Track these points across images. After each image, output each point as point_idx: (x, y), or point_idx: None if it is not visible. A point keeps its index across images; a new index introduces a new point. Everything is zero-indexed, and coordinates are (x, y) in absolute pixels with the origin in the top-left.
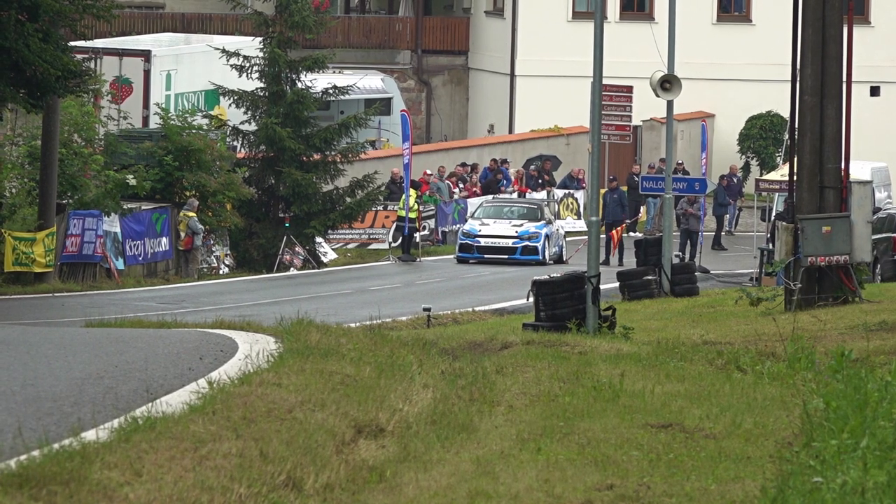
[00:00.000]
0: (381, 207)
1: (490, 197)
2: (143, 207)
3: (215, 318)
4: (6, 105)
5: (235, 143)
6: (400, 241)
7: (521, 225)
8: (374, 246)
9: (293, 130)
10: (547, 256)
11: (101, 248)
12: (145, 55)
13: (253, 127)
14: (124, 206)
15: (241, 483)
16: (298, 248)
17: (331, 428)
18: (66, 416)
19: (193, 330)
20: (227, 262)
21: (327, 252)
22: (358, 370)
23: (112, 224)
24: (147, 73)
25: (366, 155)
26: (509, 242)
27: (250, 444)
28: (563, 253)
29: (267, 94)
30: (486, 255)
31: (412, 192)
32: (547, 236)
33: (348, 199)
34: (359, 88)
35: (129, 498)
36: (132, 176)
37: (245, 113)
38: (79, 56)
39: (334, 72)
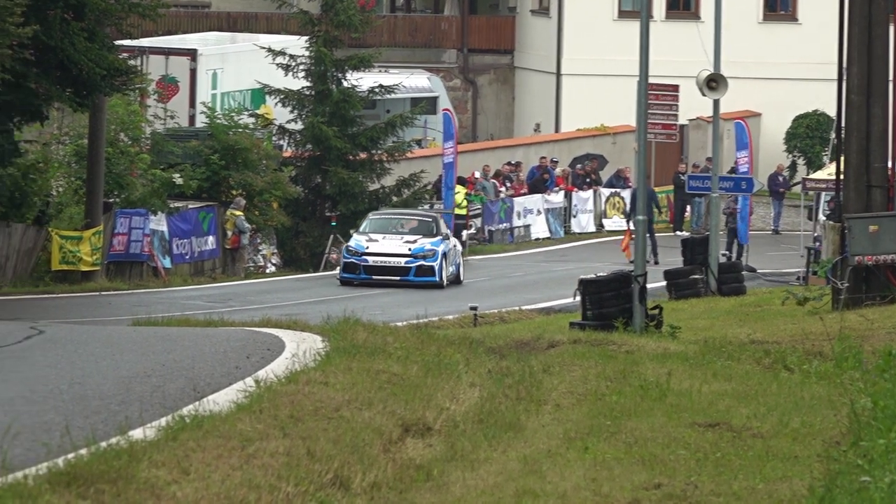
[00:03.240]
0: (427, 206)
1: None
2: (190, 206)
3: (262, 317)
4: (52, 104)
5: (282, 141)
6: None
7: (415, 241)
8: None
9: (339, 129)
10: (444, 278)
11: (147, 246)
12: (191, 54)
13: (299, 126)
14: (171, 205)
15: (289, 482)
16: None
17: (378, 427)
18: (114, 414)
19: (240, 329)
20: (273, 261)
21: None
22: (405, 369)
23: (159, 223)
24: (193, 72)
25: (412, 154)
26: (401, 262)
27: (297, 443)
28: (461, 273)
29: (313, 92)
30: (374, 277)
31: (460, 189)
32: (444, 254)
33: (394, 198)
34: (405, 87)
35: (177, 496)
36: (178, 175)
37: (291, 112)
38: (125, 55)
39: (380, 71)
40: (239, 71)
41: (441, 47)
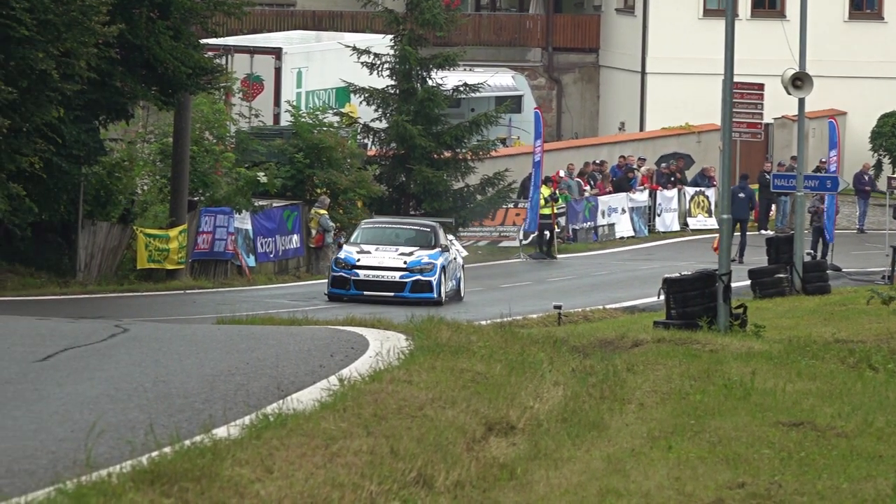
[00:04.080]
0: (511, 205)
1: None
2: (274, 205)
3: (346, 316)
4: (138, 102)
5: (366, 140)
6: (532, 238)
7: (411, 253)
8: (504, 244)
9: (424, 128)
10: (443, 293)
11: (232, 245)
12: (276, 53)
13: (384, 124)
14: (255, 204)
15: (372, 480)
16: None
17: (461, 425)
18: (198, 412)
19: (324, 327)
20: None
21: (459, 249)
22: (489, 368)
23: (243, 221)
24: (278, 71)
25: (496, 152)
26: (396, 276)
27: (381, 442)
28: (461, 288)
29: (398, 91)
30: (365, 293)
31: (545, 188)
32: (443, 268)
33: (479, 197)
34: (489, 86)
35: (260, 495)
36: (263, 173)
37: (376, 110)
38: (210, 53)
39: (465, 69)
40: (324, 69)
41: (526, 46)
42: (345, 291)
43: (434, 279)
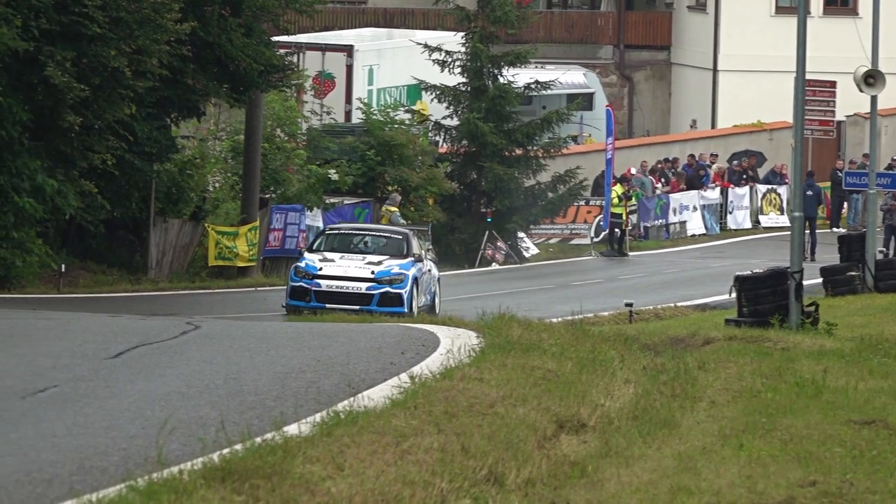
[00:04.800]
0: (583, 202)
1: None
2: (346, 202)
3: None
4: (209, 100)
5: (437, 137)
6: (603, 236)
7: (380, 263)
8: (575, 241)
9: (495, 125)
10: (414, 307)
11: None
12: (348, 50)
13: (455, 122)
14: (326, 201)
15: (443, 477)
16: (500, 243)
17: (532, 423)
18: (269, 410)
19: (395, 324)
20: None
21: (529, 247)
22: (559, 365)
23: (314, 218)
24: (349, 68)
25: (567, 150)
26: (362, 287)
27: (452, 439)
28: (437, 304)
29: (469, 88)
30: (327, 305)
31: (618, 187)
32: (415, 279)
33: (550, 195)
34: (561, 83)
35: (332, 492)
36: (334, 171)
37: (447, 108)
38: (281, 51)
39: (536, 67)
40: (395, 67)
41: (597, 43)
42: (304, 304)
43: (405, 291)
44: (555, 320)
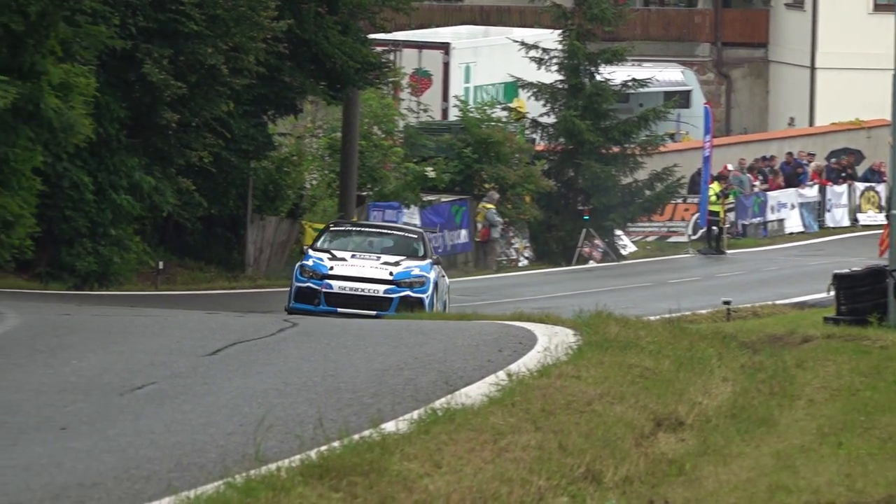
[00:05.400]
0: (680, 200)
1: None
2: (442, 199)
3: (515, 311)
4: (306, 97)
5: (534, 135)
6: (701, 234)
7: (397, 264)
8: (673, 239)
9: (592, 123)
10: None
11: None
12: (444, 48)
13: (552, 119)
14: (423, 198)
15: (541, 475)
16: (598, 241)
17: (630, 421)
18: (366, 407)
19: (493, 322)
20: (526, 255)
21: (626, 245)
22: (657, 363)
23: (412, 216)
24: (446, 66)
25: (665, 147)
26: (380, 290)
27: (549, 437)
28: (446, 309)
29: (566, 86)
30: (339, 309)
31: (715, 185)
32: (435, 284)
33: (647, 192)
34: (658, 81)
35: (429, 489)
36: (431, 168)
37: (544, 105)
38: (378, 48)
39: (633, 64)
40: (492, 64)
41: (694, 41)
42: (312, 307)
43: (427, 296)
44: (652, 318)
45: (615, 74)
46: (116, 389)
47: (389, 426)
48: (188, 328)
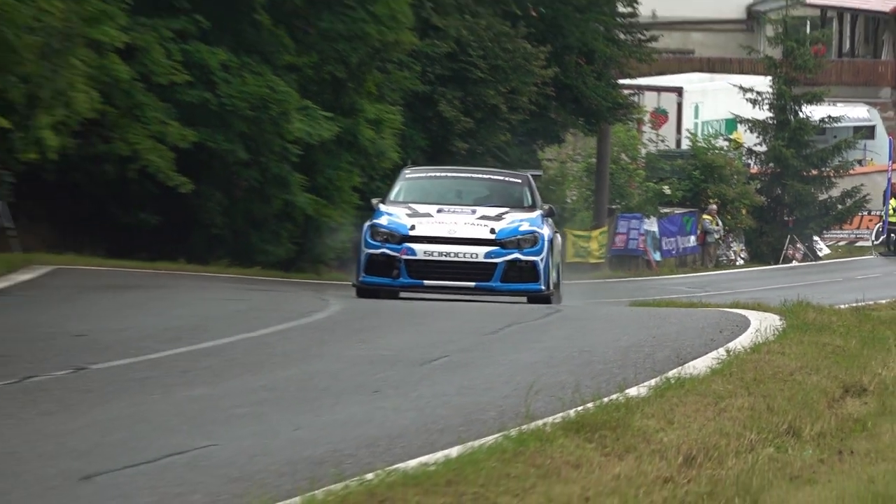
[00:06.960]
0: (865, 213)
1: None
2: (676, 212)
3: (732, 301)
4: (568, 130)
5: (749, 161)
6: (882, 239)
7: (499, 218)
8: (859, 244)
9: (796, 151)
10: (550, 284)
11: (642, 244)
12: (678, 91)
13: (763, 148)
14: (661, 211)
15: (752, 430)
16: (799, 245)
17: (823, 388)
18: (614, 376)
19: (714, 309)
20: (742, 256)
21: (822, 248)
22: (845, 342)
23: (651, 225)
24: (679, 105)
25: (854, 171)
26: (479, 254)
27: (759, 400)
28: (560, 280)
29: (775, 121)
30: (425, 282)
31: (893, 201)
32: (549, 242)
33: (839, 206)
34: (848, 118)
35: (663, 441)
36: (667, 186)
37: (757, 137)
38: (625, 91)
39: (829, 104)
40: (716, 104)
41: (878, 85)
42: (390, 280)
43: (540, 259)
44: (842, 307)
45: (814, 112)
46: (417, 361)
47: (632, 391)
48: (473, 313)
